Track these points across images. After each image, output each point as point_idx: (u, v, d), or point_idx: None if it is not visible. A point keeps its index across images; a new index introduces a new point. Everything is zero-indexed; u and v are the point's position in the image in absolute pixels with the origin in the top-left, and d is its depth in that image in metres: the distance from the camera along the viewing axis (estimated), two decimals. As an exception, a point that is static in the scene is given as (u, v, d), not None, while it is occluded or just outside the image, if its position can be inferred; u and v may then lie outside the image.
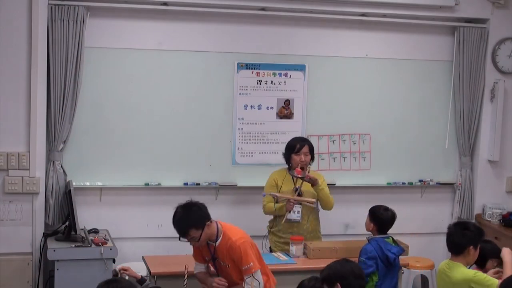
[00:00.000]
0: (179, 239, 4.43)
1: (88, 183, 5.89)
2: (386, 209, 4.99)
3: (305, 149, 5.42)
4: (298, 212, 5.43)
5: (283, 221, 5.37)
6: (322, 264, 4.12)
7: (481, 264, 4.49)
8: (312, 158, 5.51)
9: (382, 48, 6.40)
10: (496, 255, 4.49)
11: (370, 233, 5.03)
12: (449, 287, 4.23)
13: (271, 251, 5.58)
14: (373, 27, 6.34)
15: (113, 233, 5.70)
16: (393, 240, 4.92)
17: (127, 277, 4.68)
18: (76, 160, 5.82)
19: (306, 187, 5.47)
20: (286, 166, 5.55)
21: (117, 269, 4.97)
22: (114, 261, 5.26)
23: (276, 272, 4.64)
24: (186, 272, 4.25)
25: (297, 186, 5.42)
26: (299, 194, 5.41)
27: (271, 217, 5.64)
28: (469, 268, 4.26)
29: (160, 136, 6.00)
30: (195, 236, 4.29)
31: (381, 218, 4.93)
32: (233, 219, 6.17)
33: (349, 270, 3.73)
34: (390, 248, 4.79)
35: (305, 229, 5.46)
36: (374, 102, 6.42)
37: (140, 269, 5.28)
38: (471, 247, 4.21)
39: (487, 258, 4.51)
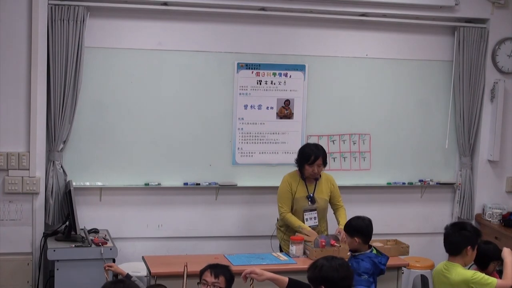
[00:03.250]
0: None
1: (88, 183, 5.89)
2: (359, 217, 4.78)
3: (319, 161, 5.37)
4: (315, 218, 5.46)
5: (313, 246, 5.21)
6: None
7: (483, 266, 4.48)
8: (325, 165, 5.49)
9: (382, 48, 6.40)
10: (498, 256, 4.47)
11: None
12: (447, 288, 4.24)
13: (280, 249, 5.57)
14: (373, 27, 6.34)
15: (113, 233, 5.71)
16: (377, 250, 4.77)
17: (112, 274, 4.62)
18: (76, 160, 5.82)
19: (319, 193, 5.48)
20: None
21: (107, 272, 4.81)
22: (114, 261, 5.25)
23: (276, 273, 4.61)
24: (185, 271, 4.22)
25: (311, 193, 5.44)
26: (312, 201, 5.43)
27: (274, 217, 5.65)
28: (468, 268, 4.26)
29: (160, 136, 5.99)
30: None
31: (360, 227, 4.68)
32: (233, 219, 6.22)
33: (334, 271, 3.60)
34: (380, 261, 4.67)
35: (316, 232, 5.43)
36: (374, 102, 6.42)
37: (140, 269, 5.29)
38: (469, 247, 4.21)
39: (490, 260, 4.47)
